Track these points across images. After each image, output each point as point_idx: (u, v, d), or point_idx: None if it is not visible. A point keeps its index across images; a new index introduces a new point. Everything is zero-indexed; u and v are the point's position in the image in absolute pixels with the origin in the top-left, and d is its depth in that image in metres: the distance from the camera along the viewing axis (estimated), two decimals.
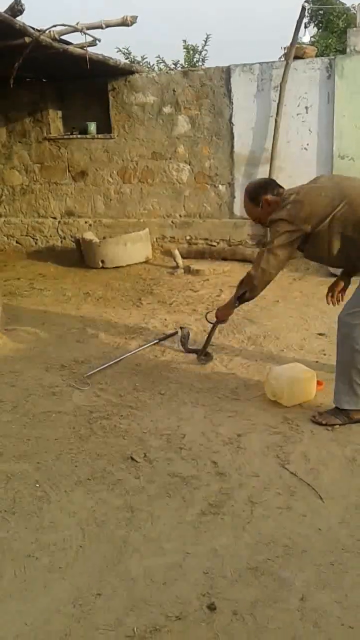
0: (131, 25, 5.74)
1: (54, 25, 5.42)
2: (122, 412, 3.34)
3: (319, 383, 3.46)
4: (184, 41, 13.14)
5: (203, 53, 13.12)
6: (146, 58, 13.36)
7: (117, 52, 12.85)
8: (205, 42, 13.01)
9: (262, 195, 3.16)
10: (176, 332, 4.53)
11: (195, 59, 13.16)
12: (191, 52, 13.11)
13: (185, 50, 13.13)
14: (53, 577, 2.14)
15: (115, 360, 4.03)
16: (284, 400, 3.31)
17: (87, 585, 2.09)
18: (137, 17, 5.73)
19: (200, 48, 13.11)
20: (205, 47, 13.06)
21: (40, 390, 3.67)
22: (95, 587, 2.08)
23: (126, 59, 12.67)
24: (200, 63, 12.99)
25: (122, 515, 2.46)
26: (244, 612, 1.95)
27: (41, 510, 2.51)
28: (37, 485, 2.68)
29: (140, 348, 4.25)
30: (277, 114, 6.51)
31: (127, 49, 13.14)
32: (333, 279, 3.64)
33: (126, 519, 2.44)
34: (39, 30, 5.13)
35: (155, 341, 4.37)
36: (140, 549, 2.26)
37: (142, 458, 2.86)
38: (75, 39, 5.82)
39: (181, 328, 4.23)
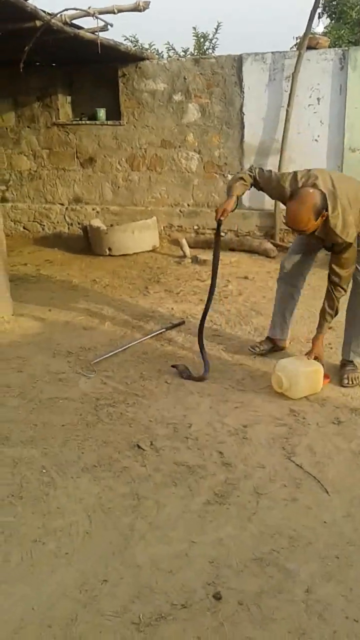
0: (143, 10, 5.67)
1: (66, 9, 5.37)
2: (129, 400, 3.35)
3: (325, 376, 3.46)
4: (194, 28, 13.00)
5: (214, 41, 12.98)
6: (154, 45, 13.22)
7: (125, 40, 12.73)
8: (217, 29, 12.87)
9: (325, 210, 3.09)
10: (183, 322, 4.54)
11: (205, 47, 13.03)
12: (201, 39, 12.98)
13: (195, 37, 12.99)
14: (59, 562, 2.16)
15: (122, 348, 4.03)
16: (290, 393, 3.32)
17: (93, 572, 2.11)
18: (149, 2, 5.67)
19: (210, 36, 12.98)
20: (216, 35, 12.92)
21: (47, 377, 3.67)
22: (102, 574, 2.10)
23: (134, 47, 12.56)
24: (210, 51, 12.86)
25: (128, 503, 2.47)
26: (249, 602, 1.96)
27: (48, 496, 2.52)
28: (44, 470, 2.69)
29: (147, 337, 4.25)
30: (289, 104, 6.46)
31: (134, 37, 13.01)
32: None
33: (132, 506, 2.45)
34: (50, 14, 5.08)
35: (162, 330, 4.37)
36: (146, 537, 2.27)
37: (148, 446, 2.87)
38: (87, 23, 5.77)
39: (175, 366, 3.75)
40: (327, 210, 3.08)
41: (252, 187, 3.49)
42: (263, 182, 3.43)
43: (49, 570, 2.12)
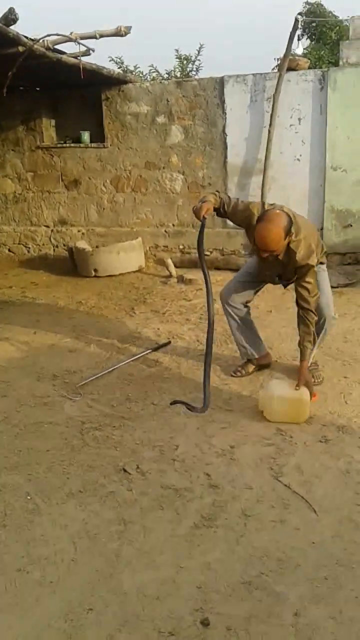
0: (125, 35, 5.76)
1: (48, 35, 5.43)
2: (115, 423, 3.32)
3: (313, 394, 3.46)
4: (176, 50, 13.20)
5: (197, 63, 13.17)
6: (139, 68, 13.40)
7: (110, 61, 12.89)
8: (199, 51, 13.07)
9: (291, 230, 3.23)
10: (169, 342, 4.53)
11: (188, 69, 13.22)
12: (184, 61, 13.17)
13: (178, 59, 13.19)
14: (44, 591, 2.12)
15: (108, 370, 4.01)
16: (266, 415, 3.30)
17: (79, 600, 2.07)
18: (131, 27, 5.75)
19: (193, 58, 13.18)
20: (199, 57, 13.12)
21: (31, 401, 3.64)
22: (87, 602, 2.06)
23: (119, 68, 12.71)
24: (194, 73, 13.05)
25: (115, 528, 2.43)
26: (237, 628, 1.93)
27: (32, 523, 2.48)
28: (29, 497, 2.65)
29: (133, 358, 4.24)
30: (270, 124, 6.53)
31: (119, 59, 13.18)
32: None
33: (118, 532, 2.41)
34: (32, 40, 5.14)
35: (149, 351, 4.35)
36: (133, 563, 2.24)
37: (134, 470, 2.84)
38: (69, 48, 5.84)
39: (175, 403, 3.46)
40: (292, 233, 3.22)
41: (215, 211, 3.48)
42: (229, 207, 3.45)
43: (34, 600, 2.07)
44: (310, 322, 3.37)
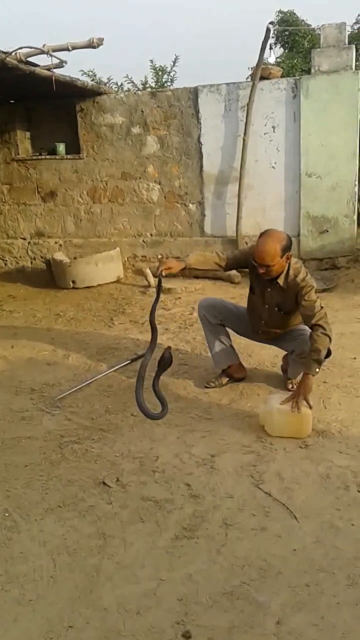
0: (97, 47, 5.78)
1: (20, 48, 5.43)
2: (94, 436, 3.29)
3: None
4: (151, 61, 13.24)
5: (172, 74, 13.22)
6: (112, 79, 13.40)
7: (83, 75, 12.87)
8: (174, 63, 13.13)
9: (289, 251, 3.36)
10: None
11: (164, 80, 13.26)
12: (159, 72, 13.21)
13: (152, 70, 13.22)
14: (23, 609, 2.08)
15: (87, 383, 3.98)
16: (267, 429, 3.23)
17: (59, 617, 2.03)
18: (103, 39, 5.77)
19: (168, 69, 13.22)
20: (174, 68, 13.17)
21: (9, 415, 3.59)
22: (67, 619, 2.02)
23: (92, 81, 12.70)
24: (169, 84, 13.09)
25: (94, 543, 2.40)
26: (219, 639, 1.91)
27: (10, 541, 2.44)
28: (7, 514, 2.61)
29: (112, 369, 4.21)
30: (245, 133, 6.60)
31: (92, 72, 13.17)
32: None
33: (98, 546, 2.38)
34: (4, 52, 5.13)
35: (128, 362, 4.33)
36: (113, 577, 2.21)
37: (114, 482, 2.81)
38: (43, 61, 5.83)
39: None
40: (291, 255, 3.34)
41: (224, 269, 3.66)
42: (233, 259, 3.61)
43: (12, 619, 2.03)
44: (319, 335, 3.20)
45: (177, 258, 3.52)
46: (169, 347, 3.21)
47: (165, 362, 3.12)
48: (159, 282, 3.44)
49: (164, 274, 3.34)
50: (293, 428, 3.16)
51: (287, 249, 3.30)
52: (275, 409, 3.16)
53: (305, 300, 3.31)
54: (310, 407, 3.16)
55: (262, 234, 3.36)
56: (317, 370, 3.22)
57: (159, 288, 3.45)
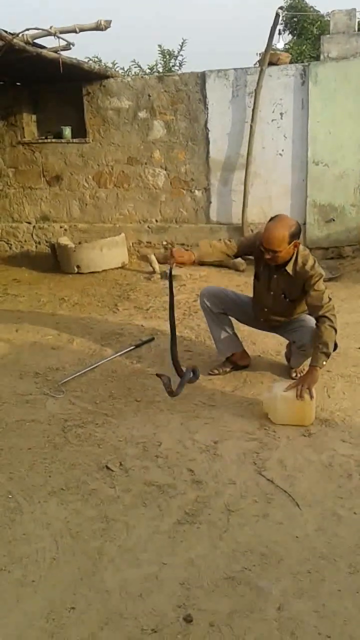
0: (105, 29, 5.71)
1: (27, 29, 5.37)
2: (98, 420, 3.30)
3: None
4: (159, 46, 13.13)
5: (179, 58, 13.12)
6: (117, 64, 13.30)
7: (88, 61, 12.77)
8: (182, 47, 13.02)
9: (298, 239, 3.31)
10: (152, 339, 4.51)
11: (171, 64, 13.16)
12: (167, 56, 13.10)
13: (160, 54, 13.12)
14: (26, 591, 2.09)
15: (91, 367, 3.98)
16: (271, 417, 3.22)
17: (61, 599, 2.05)
18: (111, 21, 5.70)
19: (176, 53, 13.12)
20: (182, 52, 13.06)
21: (13, 399, 3.60)
22: (69, 601, 2.04)
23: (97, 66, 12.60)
24: (177, 68, 12.99)
25: (97, 526, 2.41)
26: (220, 623, 1.92)
27: (14, 522, 2.45)
28: (10, 496, 2.62)
29: (116, 355, 4.21)
30: (252, 119, 6.53)
31: (97, 57, 13.07)
32: None
33: (101, 529, 2.40)
34: (12, 34, 5.08)
35: (132, 347, 4.33)
36: (116, 560, 2.22)
37: (117, 467, 2.82)
38: (50, 43, 5.77)
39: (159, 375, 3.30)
40: (299, 242, 3.31)
41: (233, 257, 3.64)
42: (239, 245, 3.58)
43: (15, 600, 2.05)
44: (327, 328, 3.19)
45: (185, 249, 3.43)
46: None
47: (192, 379, 3.22)
48: (170, 274, 3.43)
49: (174, 266, 3.34)
50: (296, 416, 3.16)
51: (295, 236, 3.26)
52: (280, 396, 3.16)
53: (315, 290, 3.30)
54: (312, 397, 3.14)
55: (271, 219, 3.33)
56: (324, 363, 3.22)
57: (171, 280, 3.44)
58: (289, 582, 2.09)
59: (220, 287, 4.03)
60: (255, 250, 3.46)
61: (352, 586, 2.06)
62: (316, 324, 3.29)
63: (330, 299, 3.29)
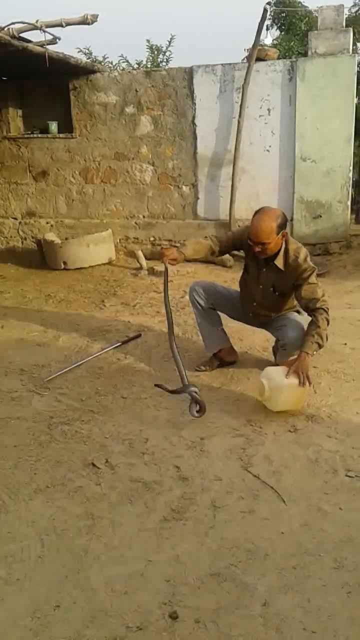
0: (92, 23, 5.69)
1: (13, 23, 5.35)
2: (84, 417, 3.28)
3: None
4: (148, 41, 13.09)
5: (167, 54, 13.09)
6: (108, 58, 13.26)
7: (78, 52, 12.73)
8: (170, 42, 12.98)
9: (285, 229, 3.32)
10: (139, 335, 4.49)
11: (159, 59, 13.12)
12: (155, 52, 13.07)
13: (148, 49, 13.08)
14: (10, 589, 2.08)
15: (77, 364, 3.96)
16: (269, 404, 3.23)
17: (46, 597, 2.03)
18: (97, 15, 5.68)
19: (164, 48, 13.08)
20: (170, 48, 13.03)
21: None
22: (54, 599, 2.02)
23: (87, 59, 12.54)
24: (164, 64, 12.95)
25: (83, 524, 2.40)
26: (206, 620, 1.92)
27: None
28: None
29: (103, 351, 4.20)
30: (240, 115, 6.54)
31: (88, 49, 13.01)
32: None
33: (87, 527, 2.38)
34: None
35: (118, 344, 4.32)
36: (101, 558, 2.21)
37: (103, 464, 2.81)
38: (36, 37, 5.74)
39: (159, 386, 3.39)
40: (287, 232, 3.30)
41: (217, 254, 3.67)
42: (226, 241, 3.62)
43: None
44: (324, 320, 3.23)
45: (174, 246, 3.52)
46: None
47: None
48: (166, 270, 3.55)
49: (169, 264, 3.42)
50: (295, 401, 3.23)
51: (282, 226, 3.27)
52: (286, 384, 3.13)
53: (308, 283, 3.31)
54: (310, 383, 3.21)
55: (257, 212, 3.33)
56: (315, 352, 3.26)
57: (167, 276, 3.59)
58: (275, 578, 2.09)
59: (210, 282, 4.03)
60: (245, 244, 3.46)
61: (337, 581, 2.07)
62: (313, 315, 3.30)
63: (324, 293, 3.31)
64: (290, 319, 3.55)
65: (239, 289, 3.80)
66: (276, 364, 3.79)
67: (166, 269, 3.52)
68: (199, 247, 3.54)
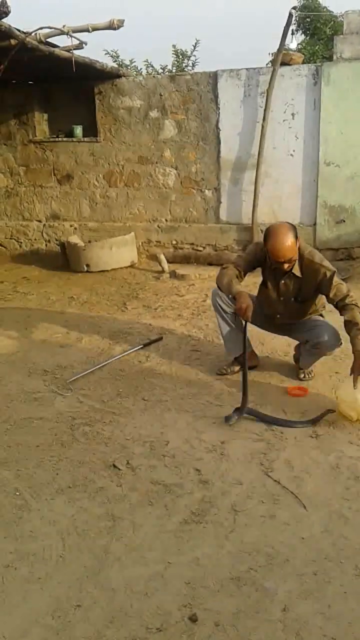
0: (118, 28, 5.71)
1: (40, 28, 5.38)
2: (105, 419, 3.31)
3: (303, 389, 3.47)
4: (174, 46, 13.11)
5: (192, 58, 13.10)
6: (134, 62, 13.32)
7: (105, 54, 12.80)
8: (195, 47, 12.99)
9: (297, 237, 3.34)
10: (161, 338, 4.51)
11: (184, 64, 13.15)
12: (180, 56, 13.09)
13: (174, 54, 13.11)
14: (32, 587, 2.10)
15: (99, 366, 3.99)
16: (352, 417, 3.18)
17: (67, 596, 2.06)
18: (124, 20, 5.71)
19: (189, 53, 13.10)
20: (195, 53, 13.04)
21: (22, 396, 3.62)
22: (75, 598, 2.05)
23: (114, 61, 12.62)
24: (190, 68, 12.97)
25: (104, 524, 2.42)
26: (225, 623, 1.92)
27: (21, 519, 2.46)
28: (17, 493, 2.63)
29: (125, 353, 4.22)
30: (264, 119, 6.52)
31: (115, 52, 13.08)
32: None
33: (107, 527, 2.40)
34: (25, 33, 5.10)
35: (140, 346, 4.34)
36: (122, 559, 2.23)
37: (124, 465, 2.83)
38: (62, 42, 5.79)
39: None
40: (298, 238, 3.33)
41: (242, 280, 3.59)
42: (245, 266, 3.57)
43: (21, 597, 2.06)
44: (358, 314, 3.23)
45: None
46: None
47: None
48: (245, 330, 3.43)
49: (248, 319, 3.34)
50: None
51: (296, 236, 3.32)
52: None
53: (334, 283, 3.33)
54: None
55: (271, 235, 3.30)
56: None
57: (245, 333, 3.45)
58: (295, 583, 2.09)
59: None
60: (260, 262, 3.52)
61: (358, 588, 2.06)
62: (345, 311, 3.28)
63: (349, 289, 3.35)
64: (319, 319, 3.64)
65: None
66: (300, 369, 3.78)
67: (245, 327, 3.43)
68: (235, 280, 3.48)
